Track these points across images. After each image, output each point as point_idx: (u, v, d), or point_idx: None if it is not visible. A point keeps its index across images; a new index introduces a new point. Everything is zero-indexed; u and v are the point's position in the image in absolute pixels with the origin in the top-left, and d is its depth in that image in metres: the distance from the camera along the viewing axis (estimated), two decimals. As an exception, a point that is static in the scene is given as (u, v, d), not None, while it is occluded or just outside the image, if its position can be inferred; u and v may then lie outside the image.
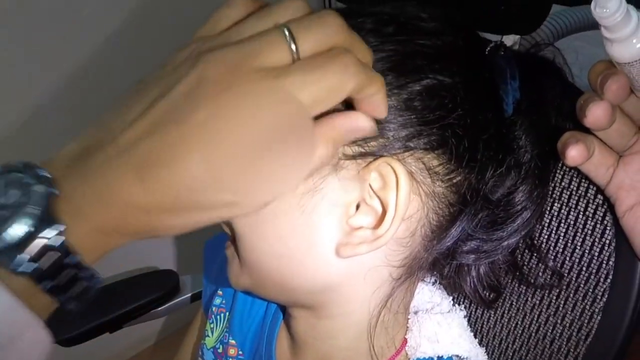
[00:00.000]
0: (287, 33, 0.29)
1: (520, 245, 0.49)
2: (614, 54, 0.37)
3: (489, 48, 0.48)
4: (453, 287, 0.51)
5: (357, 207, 0.41)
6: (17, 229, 0.27)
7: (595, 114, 0.39)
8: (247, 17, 0.32)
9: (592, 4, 0.36)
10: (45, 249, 0.28)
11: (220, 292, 0.68)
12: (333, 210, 0.41)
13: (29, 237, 0.27)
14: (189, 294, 0.92)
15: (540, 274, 0.48)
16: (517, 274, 0.49)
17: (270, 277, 0.46)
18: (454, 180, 0.42)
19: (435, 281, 0.53)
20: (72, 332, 0.86)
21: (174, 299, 0.92)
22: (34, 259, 0.28)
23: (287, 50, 0.29)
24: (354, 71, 0.30)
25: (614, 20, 0.35)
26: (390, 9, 0.45)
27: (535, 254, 0.49)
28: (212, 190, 0.29)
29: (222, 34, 0.31)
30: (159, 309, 0.92)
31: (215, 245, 0.75)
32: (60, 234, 0.28)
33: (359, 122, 0.32)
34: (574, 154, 0.40)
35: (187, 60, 0.30)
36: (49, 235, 0.28)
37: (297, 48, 0.29)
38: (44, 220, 0.28)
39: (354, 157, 0.40)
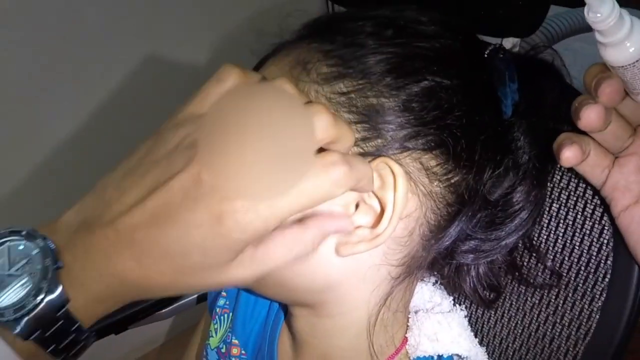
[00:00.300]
0: None
1: (519, 245, 0.50)
2: (608, 58, 0.38)
3: (488, 51, 0.49)
4: (453, 287, 0.51)
5: (357, 206, 0.42)
6: (26, 299, 0.30)
7: (589, 117, 0.39)
8: None
9: (585, 9, 0.36)
10: (51, 317, 0.31)
11: (224, 293, 0.69)
12: (332, 209, 0.42)
13: (36, 306, 0.30)
14: (195, 296, 0.93)
15: (539, 273, 0.49)
16: (516, 274, 0.50)
17: (270, 276, 0.46)
18: (452, 181, 0.43)
19: (436, 281, 0.54)
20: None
21: (178, 301, 0.93)
22: (40, 326, 0.31)
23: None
24: (327, 128, 0.32)
25: (607, 25, 0.36)
26: (390, 13, 0.46)
27: (534, 254, 0.49)
28: (207, 273, 0.32)
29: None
30: (164, 310, 0.92)
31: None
32: (64, 304, 0.31)
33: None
34: (568, 155, 0.41)
35: (180, 150, 0.31)
36: (54, 305, 0.30)
37: None
38: (49, 291, 0.30)
39: None
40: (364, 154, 0.41)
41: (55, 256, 0.31)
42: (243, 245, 0.32)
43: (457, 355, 0.50)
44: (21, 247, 0.31)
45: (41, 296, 0.30)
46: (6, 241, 0.31)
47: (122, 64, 1.18)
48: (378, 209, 0.41)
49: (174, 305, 0.93)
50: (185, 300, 0.92)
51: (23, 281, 0.30)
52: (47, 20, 1.05)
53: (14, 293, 0.30)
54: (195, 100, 0.34)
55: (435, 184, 0.43)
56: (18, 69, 1.05)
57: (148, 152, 0.33)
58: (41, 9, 1.04)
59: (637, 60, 0.37)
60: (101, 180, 0.34)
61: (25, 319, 0.30)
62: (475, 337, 0.52)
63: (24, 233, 0.32)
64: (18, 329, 0.30)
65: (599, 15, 0.35)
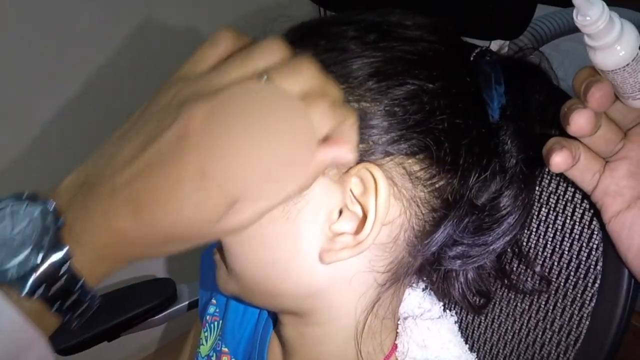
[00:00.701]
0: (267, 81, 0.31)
1: (507, 251, 0.49)
2: (598, 62, 0.37)
3: (474, 54, 0.48)
4: (442, 293, 0.51)
5: (340, 213, 0.41)
6: (29, 258, 0.30)
7: (579, 122, 0.39)
8: (228, 60, 0.33)
9: (574, 12, 0.36)
10: (54, 274, 0.31)
11: (214, 301, 0.68)
12: (316, 216, 0.41)
13: (39, 264, 0.30)
14: (186, 302, 0.92)
15: (529, 279, 0.48)
16: (505, 280, 0.49)
17: (256, 284, 0.46)
18: (437, 185, 0.42)
19: (426, 287, 0.53)
20: (70, 341, 0.86)
21: (171, 307, 0.92)
22: (44, 284, 0.31)
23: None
24: (330, 115, 0.32)
25: (597, 28, 0.35)
26: (375, 17, 0.45)
27: (522, 260, 0.48)
28: (201, 227, 0.32)
29: (204, 77, 0.33)
30: (157, 317, 0.92)
31: (212, 255, 0.75)
32: (66, 260, 0.31)
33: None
34: (558, 160, 0.40)
35: (170, 107, 0.32)
36: (56, 262, 0.31)
37: None
38: (52, 248, 0.31)
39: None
40: None
41: (57, 216, 0.31)
42: (232, 199, 0.31)
43: (447, 362, 0.49)
44: (23, 210, 0.32)
45: (43, 253, 0.30)
46: (8, 205, 0.32)
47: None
48: (361, 215, 0.41)
49: (166, 312, 0.93)
50: (177, 307, 0.92)
51: (26, 242, 0.31)
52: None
53: (17, 253, 0.30)
54: (189, 63, 0.34)
55: (420, 188, 0.42)
56: (17, 34, 1.04)
57: (143, 112, 0.34)
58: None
59: (627, 64, 0.36)
60: (101, 144, 0.34)
61: (30, 277, 0.30)
62: (466, 343, 0.51)
63: (25, 197, 0.32)
64: (23, 288, 0.30)
65: (588, 18, 0.35)
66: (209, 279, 0.73)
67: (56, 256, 0.31)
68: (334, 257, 0.41)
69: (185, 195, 0.30)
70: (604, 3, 0.35)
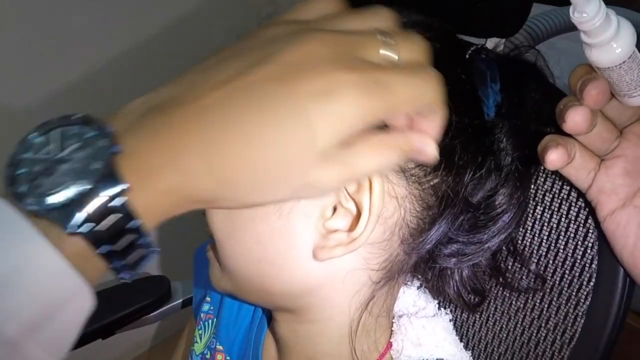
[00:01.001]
0: (387, 39, 0.31)
1: (502, 249, 0.49)
2: (594, 59, 0.37)
3: (470, 51, 0.48)
4: (437, 291, 0.51)
5: (334, 210, 0.41)
6: (76, 186, 0.25)
7: (575, 119, 0.39)
8: (345, 14, 0.32)
9: (571, 9, 0.35)
10: (106, 209, 0.26)
11: (208, 299, 0.68)
12: (309, 213, 0.41)
13: (89, 195, 0.25)
14: (180, 300, 0.92)
15: (524, 277, 0.48)
16: (500, 278, 0.49)
17: (250, 281, 0.46)
18: (432, 183, 0.42)
19: (420, 285, 0.53)
20: (64, 338, 0.86)
21: (165, 305, 0.92)
22: (93, 219, 0.26)
23: (388, 54, 0.31)
24: (437, 88, 0.32)
25: (593, 25, 0.35)
26: None
27: (517, 258, 0.48)
28: (287, 171, 0.29)
29: (321, 21, 0.31)
30: (151, 315, 0.92)
31: (205, 253, 0.75)
32: (122, 193, 0.26)
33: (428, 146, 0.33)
34: (553, 157, 0.40)
35: (287, 35, 0.29)
36: (110, 195, 0.26)
37: (398, 56, 0.31)
38: (106, 178, 0.26)
39: None
40: None
41: (113, 139, 0.26)
42: (329, 145, 0.28)
43: (442, 359, 0.49)
44: (74, 131, 0.27)
45: (94, 183, 0.25)
46: (58, 126, 0.27)
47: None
48: (355, 212, 0.41)
49: (160, 310, 0.93)
50: (171, 305, 0.92)
51: (75, 166, 0.26)
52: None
53: (64, 181, 0.25)
54: (292, 12, 0.33)
55: (414, 186, 0.42)
56: (17, 34, 1.04)
57: (238, 45, 0.30)
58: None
59: (623, 62, 0.36)
60: (178, 77, 0.30)
61: (77, 210, 0.25)
62: (461, 341, 0.51)
63: (77, 117, 0.27)
64: (67, 222, 0.25)
65: (584, 15, 0.35)
66: (203, 276, 0.73)
67: (110, 188, 0.26)
68: (327, 254, 0.41)
69: (290, 125, 0.27)
70: (601, 0, 0.35)
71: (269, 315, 0.59)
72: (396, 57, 0.31)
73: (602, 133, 0.41)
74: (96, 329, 0.88)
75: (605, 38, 0.35)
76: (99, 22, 1.13)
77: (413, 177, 0.42)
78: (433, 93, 0.31)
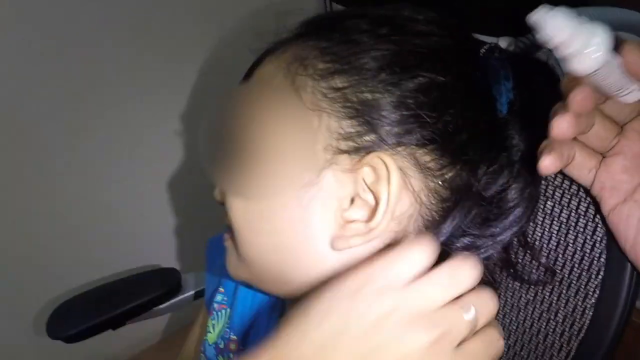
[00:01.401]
0: (473, 319, 0.37)
1: (514, 242, 0.50)
2: (572, 69, 0.36)
3: (483, 50, 0.49)
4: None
5: (352, 201, 0.42)
6: None
7: (560, 127, 0.39)
8: (434, 280, 0.37)
9: (537, 26, 0.35)
10: None
11: (221, 289, 0.69)
12: (328, 203, 0.42)
13: None
14: (192, 292, 0.93)
15: (534, 270, 0.49)
16: (511, 270, 0.50)
17: (268, 270, 0.47)
18: (447, 176, 0.43)
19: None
20: (75, 328, 0.87)
21: (175, 297, 0.93)
22: None
23: (470, 329, 0.37)
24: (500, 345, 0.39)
25: (562, 38, 0.34)
26: (386, 11, 0.46)
27: (528, 251, 0.49)
28: None
29: (412, 292, 0.37)
30: (161, 306, 0.93)
31: (218, 243, 0.76)
32: None
33: None
34: (546, 163, 0.41)
35: (387, 325, 0.36)
36: None
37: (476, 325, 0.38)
38: None
39: (348, 152, 0.42)
40: (358, 149, 0.42)
41: None
42: None
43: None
44: None
45: None
46: None
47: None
48: (372, 203, 0.42)
49: (171, 301, 0.94)
50: (184, 296, 0.93)
51: None
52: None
53: None
54: (387, 267, 0.38)
55: (430, 179, 0.43)
56: (17, 34, 1.04)
57: (342, 308, 0.37)
58: None
59: (600, 67, 0.36)
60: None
61: None
62: (470, 333, 0.52)
63: None
64: None
65: (551, 31, 0.34)
66: (216, 267, 0.74)
67: None
68: (345, 243, 0.42)
69: None
70: (564, 8, 0.34)
71: (282, 305, 0.60)
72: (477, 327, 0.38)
73: (600, 132, 0.42)
74: (107, 319, 0.89)
75: (574, 50, 0.35)
76: (99, 21, 1.13)
77: (429, 170, 0.43)
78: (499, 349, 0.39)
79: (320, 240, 0.43)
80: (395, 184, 0.40)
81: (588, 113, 0.40)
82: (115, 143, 1.20)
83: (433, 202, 0.44)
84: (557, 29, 0.34)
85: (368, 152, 0.41)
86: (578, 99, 0.38)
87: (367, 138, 0.42)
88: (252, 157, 0.45)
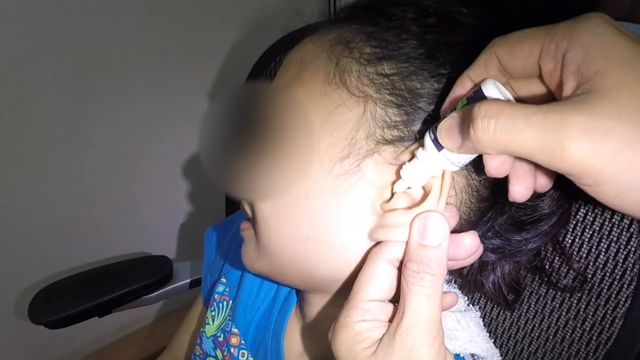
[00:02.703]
0: None
1: (546, 248, 0.49)
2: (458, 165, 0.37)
3: None
4: (473, 286, 0.50)
5: (393, 193, 0.41)
6: None
7: (519, 195, 0.38)
8: None
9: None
10: None
11: (224, 280, 0.67)
12: (367, 192, 0.41)
13: None
14: (185, 281, 0.91)
15: (563, 276, 0.48)
16: (542, 274, 0.49)
17: (292, 261, 0.45)
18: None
19: (451, 280, 0.53)
20: (58, 314, 0.83)
21: (165, 286, 0.91)
22: None
23: None
24: None
25: (423, 155, 0.37)
26: (432, 2, 0.45)
27: (560, 256, 0.48)
28: None
29: None
30: (150, 295, 0.90)
31: (220, 231, 0.74)
32: None
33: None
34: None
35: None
36: None
37: None
38: None
39: (392, 141, 0.40)
40: (404, 138, 0.40)
41: None
42: None
43: (474, 354, 0.49)
44: None
45: None
46: None
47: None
48: (417, 197, 0.40)
49: (160, 290, 0.91)
50: (175, 285, 0.90)
51: None
52: None
53: None
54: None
55: (473, 176, 0.42)
56: (17, 34, 1.01)
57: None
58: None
59: (463, 161, 0.37)
60: None
61: None
62: (490, 338, 0.51)
63: None
64: None
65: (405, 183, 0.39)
66: (216, 256, 0.72)
67: None
68: (386, 234, 0.40)
69: None
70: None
71: (295, 298, 0.58)
72: None
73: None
74: (92, 307, 0.86)
75: (434, 155, 0.37)
76: (100, 21, 1.10)
77: (472, 168, 0.42)
78: None
79: (353, 230, 0.41)
80: (448, 179, 0.39)
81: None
82: (109, 133, 1.17)
83: (473, 200, 0.43)
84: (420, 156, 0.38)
85: (413, 142, 0.40)
86: (492, 168, 0.35)
87: (413, 128, 0.40)
88: (288, 143, 0.42)
